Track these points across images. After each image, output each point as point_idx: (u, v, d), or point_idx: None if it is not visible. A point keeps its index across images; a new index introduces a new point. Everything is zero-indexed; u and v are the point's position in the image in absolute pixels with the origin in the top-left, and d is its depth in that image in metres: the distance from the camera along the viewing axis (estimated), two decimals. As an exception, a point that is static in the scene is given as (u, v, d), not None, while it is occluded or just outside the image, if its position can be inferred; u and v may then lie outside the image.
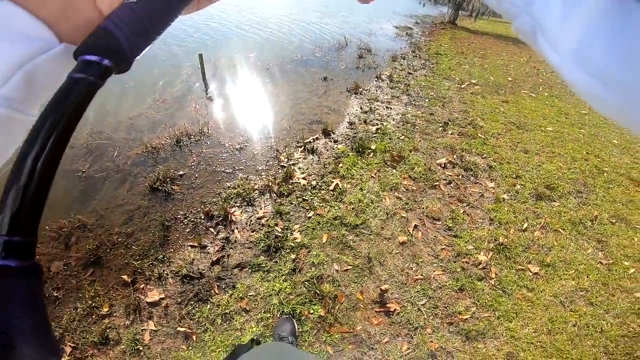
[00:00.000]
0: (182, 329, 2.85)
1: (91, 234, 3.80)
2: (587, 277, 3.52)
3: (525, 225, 4.06)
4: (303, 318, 2.89)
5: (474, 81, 8.81)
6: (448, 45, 14.26)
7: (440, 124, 6.16)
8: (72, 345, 2.82)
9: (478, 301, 3.13)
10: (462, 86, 8.37)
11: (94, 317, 3.04)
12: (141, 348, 2.80)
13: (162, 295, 3.12)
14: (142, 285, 3.25)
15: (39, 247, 3.70)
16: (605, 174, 5.32)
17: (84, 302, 3.10)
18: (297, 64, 9.38)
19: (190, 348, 2.80)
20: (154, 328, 2.90)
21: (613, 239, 4.10)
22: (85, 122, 6.04)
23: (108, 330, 2.91)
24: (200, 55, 7.92)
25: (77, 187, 4.55)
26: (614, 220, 4.39)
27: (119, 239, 3.74)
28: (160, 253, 3.54)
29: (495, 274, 3.38)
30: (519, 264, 3.56)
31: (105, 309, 3.06)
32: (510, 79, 9.65)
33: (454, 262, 3.47)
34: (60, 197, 4.40)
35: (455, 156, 5.18)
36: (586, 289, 3.40)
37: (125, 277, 3.29)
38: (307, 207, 4.02)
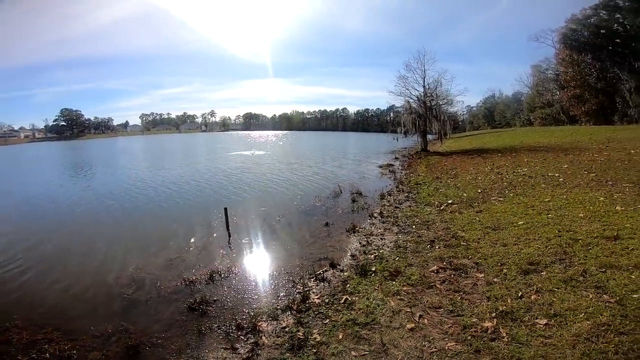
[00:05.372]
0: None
1: (132, 335, 4.76)
2: (602, 315, 3.89)
3: (520, 294, 4.63)
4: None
5: (450, 201, 10.26)
6: (425, 174, 16.64)
7: (428, 243, 7.14)
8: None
9: (498, 356, 3.51)
10: (441, 208, 9.74)
11: None
12: None
13: None
14: None
15: (78, 340, 4.74)
16: (580, 241, 6.07)
17: None
18: (302, 214, 11.28)
19: None
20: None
21: (610, 282, 4.59)
22: (128, 260, 7.62)
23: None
24: (225, 209, 10.05)
25: (123, 305, 5.79)
26: (603, 269, 4.95)
27: (158, 341, 4.65)
28: (195, 353, 4.33)
29: (507, 333, 3.83)
30: (526, 321, 4.01)
31: None
32: (479, 190, 11.18)
33: (464, 333, 3.97)
34: (106, 310, 5.59)
35: (444, 263, 6.00)
36: (606, 324, 3.73)
37: None
38: (323, 317, 4.74)
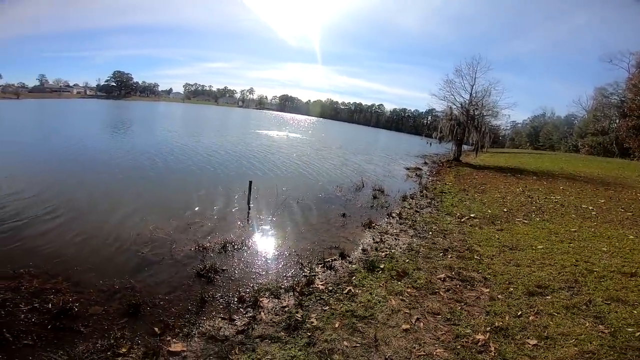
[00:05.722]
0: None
1: (137, 294, 4.94)
2: (591, 343, 3.93)
3: (519, 313, 4.64)
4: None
5: (472, 215, 10.08)
6: (452, 184, 16.33)
7: (441, 251, 7.11)
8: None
9: (481, 369, 3.57)
10: (462, 220, 9.60)
11: (108, 353, 3.72)
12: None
13: (184, 349, 3.88)
14: (168, 338, 4.05)
15: (84, 293, 4.87)
16: (595, 272, 5.94)
17: (105, 340, 3.90)
18: (322, 201, 11.47)
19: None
20: (165, 373, 3.42)
21: (611, 314, 4.57)
22: (151, 219, 7.98)
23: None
24: (250, 182, 10.41)
25: (135, 262, 6.04)
26: (609, 302, 4.89)
27: (160, 302, 4.84)
28: (193, 318, 4.49)
29: (495, 348, 3.87)
30: (517, 340, 4.05)
31: (124, 349, 3.77)
32: (505, 209, 10.89)
33: (454, 342, 4.04)
34: (118, 266, 5.81)
35: (453, 272, 6.00)
36: (592, 351, 3.78)
37: (156, 329, 4.18)
38: (323, 303, 4.90)
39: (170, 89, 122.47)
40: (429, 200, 12.33)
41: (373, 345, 3.99)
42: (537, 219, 9.83)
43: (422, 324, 4.44)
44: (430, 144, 31.77)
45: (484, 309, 4.83)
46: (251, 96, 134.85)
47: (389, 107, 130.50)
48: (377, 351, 3.90)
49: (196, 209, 9.23)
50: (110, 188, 10.68)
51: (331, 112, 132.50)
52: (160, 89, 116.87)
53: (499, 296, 5.18)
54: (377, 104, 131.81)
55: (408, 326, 4.35)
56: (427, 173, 21.18)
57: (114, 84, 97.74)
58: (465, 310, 4.77)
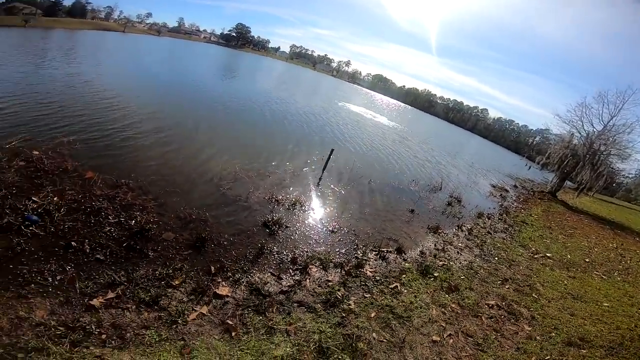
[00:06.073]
0: (229, 322, 3.77)
1: (207, 229, 5.39)
2: None
3: (547, 357, 4.57)
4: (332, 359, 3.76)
5: (549, 254, 9.40)
6: (537, 217, 15.03)
7: (500, 279, 6.94)
8: (120, 292, 3.64)
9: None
10: (535, 256, 9.05)
11: (162, 282, 3.94)
12: (179, 322, 3.53)
13: (229, 294, 4.19)
14: (219, 280, 4.36)
15: (164, 216, 5.25)
16: None
17: (165, 269, 4.16)
18: (393, 190, 11.55)
19: (222, 340, 3.52)
20: (205, 312, 3.79)
21: None
22: (241, 159, 8.97)
23: (163, 297, 3.74)
24: (332, 150, 10.98)
25: (215, 196, 6.77)
26: None
27: (224, 242, 5.31)
28: (247, 265, 4.90)
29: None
30: None
31: (177, 282, 4.05)
32: (587, 260, 9.92)
33: (474, 368, 4.15)
34: (200, 196, 6.51)
35: (504, 303, 5.90)
36: None
37: (212, 267, 4.56)
38: (366, 290, 5.21)
39: (279, 47, 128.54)
40: (505, 226, 11.68)
41: (399, 345, 4.21)
42: (618, 278, 8.85)
43: (451, 340, 4.57)
44: (530, 167, 28.57)
45: (516, 344, 4.82)
46: (346, 68, 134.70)
47: (493, 113, 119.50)
48: (400, 352, 4.12)
49: (285, 162, 10.16)
50: (220, 126, 12.23)
51: (424, 103, 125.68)
52: (270, 45, 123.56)
53: (537, 337, 5.11)
54: (480, 108, 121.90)
55: (438, 338, 4.51)
56: (513, 197, 19.55)
57: (234, 35, 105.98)
58: (498, 341, 4.80)
